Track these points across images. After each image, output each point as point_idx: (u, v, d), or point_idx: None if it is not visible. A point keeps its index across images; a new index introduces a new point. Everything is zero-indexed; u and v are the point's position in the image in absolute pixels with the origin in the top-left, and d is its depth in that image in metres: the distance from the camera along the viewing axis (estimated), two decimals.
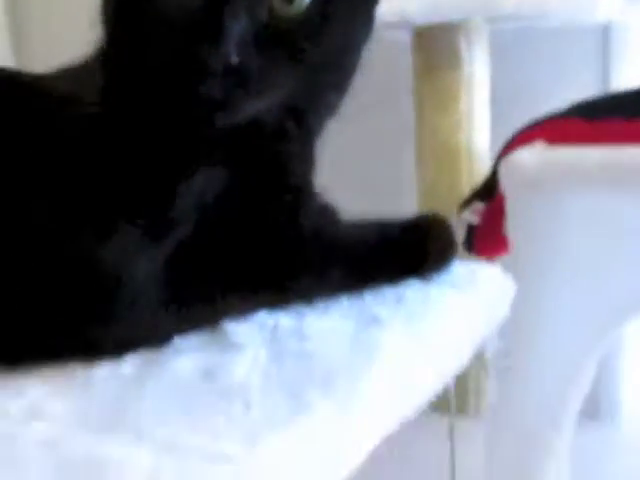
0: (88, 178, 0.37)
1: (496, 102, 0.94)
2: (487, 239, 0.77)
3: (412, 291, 0.39)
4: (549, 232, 0.64)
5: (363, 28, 0.42)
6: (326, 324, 0.35)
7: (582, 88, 0.90)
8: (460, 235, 0.79)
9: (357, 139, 1.15)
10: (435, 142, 0.92)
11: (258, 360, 0.31)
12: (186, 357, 0.33)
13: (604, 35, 1.00)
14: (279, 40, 0.36)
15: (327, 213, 0.43)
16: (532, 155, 0.66)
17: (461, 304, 0.39)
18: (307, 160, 0.43)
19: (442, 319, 0.37)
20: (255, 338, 0.34)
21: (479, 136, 0.92)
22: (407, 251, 0.43)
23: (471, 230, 0.79)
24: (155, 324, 0.36)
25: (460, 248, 0.81)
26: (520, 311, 0.59)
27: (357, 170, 1.06)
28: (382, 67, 1.06)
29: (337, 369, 0.30)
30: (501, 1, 0.78)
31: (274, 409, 0.28)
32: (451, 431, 0.74)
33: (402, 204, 0.95)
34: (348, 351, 0.32)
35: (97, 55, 0.41)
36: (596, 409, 1.01)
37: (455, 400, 0.93)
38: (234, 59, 0.34)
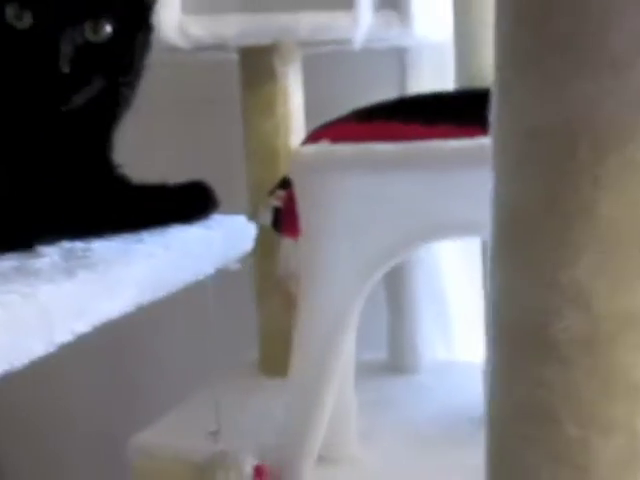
0: None
1: (310, 110, 1.14)
2: (288, 220, 0.96)
3: (175, 229, 0.57)
4: (322, 205, 0.84)
5: (145, 47, 0.63)
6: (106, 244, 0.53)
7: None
8: (268, 217, 0.99)
9: (196, 140, 1.33)
10: (259, 144, 1.11)
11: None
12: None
13: (401, 56, 1.23)
14: (91, 56, 0.58)
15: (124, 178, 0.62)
16: (310, 149, 0.85)
17: (206, 236, 0.57)
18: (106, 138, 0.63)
19: (186, 239, 0.56)
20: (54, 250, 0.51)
21: (295, 138, 1.11)
22: (180, 203, 0.62)
23: (278, 213, 0.99)
24: None
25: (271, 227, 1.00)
26: (305, 265, 0.79)
27: (198, 166, 1.24)
28: (216, 81, 1.25)
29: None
30: (296, 29, 0.98)
31: None
32: None
33: (234, 197, 1.13)
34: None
35: None
36: (401, 364, 1.22)
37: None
38: (65, 69, 0.55)
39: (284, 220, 0.98)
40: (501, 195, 0.43)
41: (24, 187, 0.55)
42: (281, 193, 0.96)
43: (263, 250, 1.09)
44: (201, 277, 0.57)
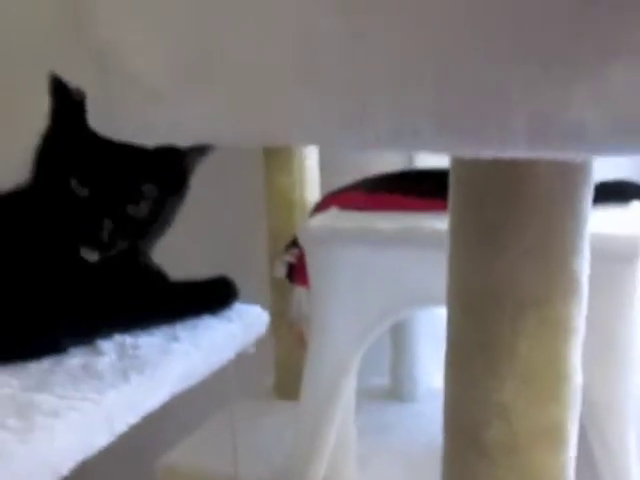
0: None
1: (325, 169, 1.27)
2: (300, 273, 1.10)
3: (203, 322, 0.72)
4: (327, 270, 0.97)
5: (178, 205, 0.78)
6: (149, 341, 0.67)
7: (392, 164, 1.22)
8: (283, 270, 1.13)
9: (223, 194, 1.47)
10: (279, 197, 1.25)
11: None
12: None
13: None
14: (129, 227, 0.73)
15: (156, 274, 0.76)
16: (316, 222, 0.99)
17: (229, 329, 0.71)
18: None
19: (213, 336, 0.69)
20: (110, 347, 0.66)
21: (311, 193, 1.25)
22: (208, 298, 0.76)
23: (292, 267, 1.13)
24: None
25: (285, 278, 1.14)
26: (314, 316, 0.93)
27: (221, 219, 1.38)
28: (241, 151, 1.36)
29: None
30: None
31: None
32: None
33: (255, 246, 1.27)
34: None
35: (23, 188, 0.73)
36: (401, 391, 1.35)
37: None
38: (104, 239, 0.70)
39: (296, 272, 1.11)
40: (450, 332, 0.57)
41: (85, 290, 0.69)
42: (294, 250, 1.10)
43: (278, 292, 1.23)
44: (225, 363, 0.71)
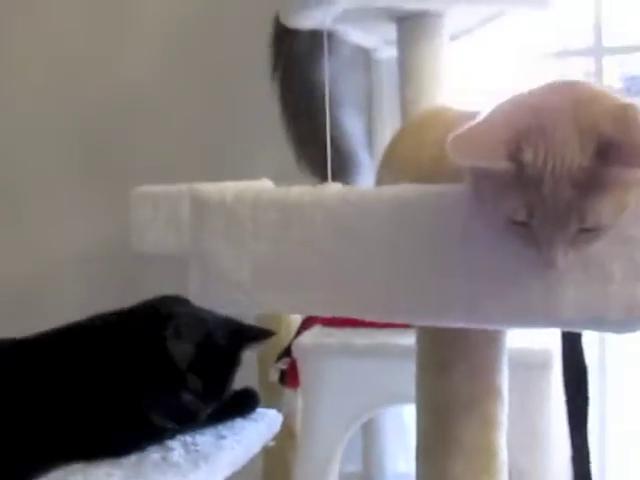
0: None
1: None
2: (291, 377, 1.35)
3: (238, 423, 0.98)
4: (315, 376, 1.24)
5: None
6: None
7: None
8: (276, 376, 1.38)
9: None
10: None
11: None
12: None
13: None
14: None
15: None
16: (304, 338, 1.26)
17: (258, 428, 0.97)
18: None
19: (248, 434, 0.96)
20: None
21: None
22: (238, 405, 1.02)
23: (283, 373, 1.38)
24: None
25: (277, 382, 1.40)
26: (305, 412, 1.18)
27: None
28: None
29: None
30: None
31: None
32: None
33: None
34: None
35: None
36: (370, 476, 1.60)
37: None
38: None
39: (288, 377, 1.37)
40: (418, 428, 0.83)
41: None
42: (286, 359, 1.36)
43: (268, 393, 1.48)
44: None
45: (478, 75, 1.47)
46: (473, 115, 0.59)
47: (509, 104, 0.59)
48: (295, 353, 1.26)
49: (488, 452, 0.81)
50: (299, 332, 1.35)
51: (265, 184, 1.01)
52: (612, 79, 1.71)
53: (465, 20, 1.33)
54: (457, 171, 0.60)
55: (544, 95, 0.58)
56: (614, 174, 0.54)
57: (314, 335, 1.28)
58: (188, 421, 0.91)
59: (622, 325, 0.61)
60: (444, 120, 0.74)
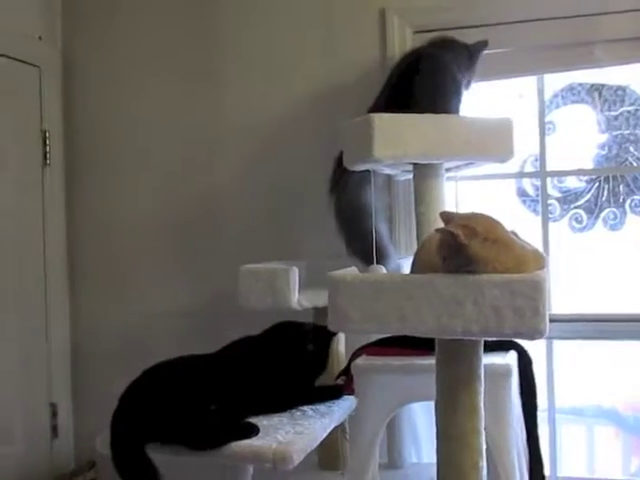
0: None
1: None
2: (348, 387, 2.10)
3: (335, 401, 1.75)
4: (368, 386, 1.99)
5: None
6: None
7: None
8: None
9: None
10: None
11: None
12: None
13: None
14: None
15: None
16: (359, 361, 2.01)
17: (345, 403, 1.74)
18: None
19: (341, 404, 1.73)
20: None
21: (339, 348, 2.28)
22: (328, 393, 1.79)
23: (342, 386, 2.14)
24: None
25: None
26: (357, 413, 1.95)
27: None
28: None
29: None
30: None
31: None
32: None
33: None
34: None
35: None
36: (394, 464, 2.33)
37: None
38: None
39: (346, 387, 2.11)
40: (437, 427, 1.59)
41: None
42: (343, 377, 2.11)
43: None
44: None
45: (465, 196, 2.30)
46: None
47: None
48: (353, 370, 2.01)
49: (473, 436, 1.54)
50: (351, 359, 2.10)
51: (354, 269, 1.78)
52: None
53: (454, 164, 2.14)
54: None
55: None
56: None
57: (364, 359, 2.04)
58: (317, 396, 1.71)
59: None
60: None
